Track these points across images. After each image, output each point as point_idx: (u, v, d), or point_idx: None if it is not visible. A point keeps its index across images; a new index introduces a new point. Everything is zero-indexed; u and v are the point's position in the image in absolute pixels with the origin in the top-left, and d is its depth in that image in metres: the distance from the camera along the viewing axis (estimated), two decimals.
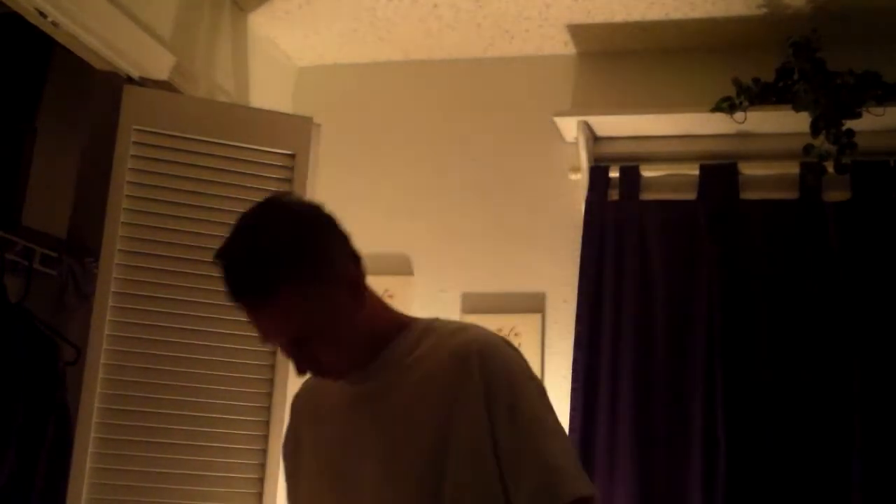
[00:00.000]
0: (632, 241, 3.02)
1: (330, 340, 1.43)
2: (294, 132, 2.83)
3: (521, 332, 3.02)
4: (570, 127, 3.07)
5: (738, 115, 2.89)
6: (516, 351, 1.51)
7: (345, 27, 3.21)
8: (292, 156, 2.80)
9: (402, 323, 1.54)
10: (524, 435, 1.40)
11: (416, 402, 1.45)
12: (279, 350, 1.51)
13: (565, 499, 1.37)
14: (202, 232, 2.65)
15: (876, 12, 2.85)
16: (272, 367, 2.66)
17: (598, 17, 3.03)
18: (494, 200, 3.22)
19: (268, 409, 2.63)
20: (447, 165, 3.28)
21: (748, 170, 3.01)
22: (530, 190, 3.20)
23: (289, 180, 2.78)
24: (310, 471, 1.57)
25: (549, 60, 3.30)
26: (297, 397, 1.67)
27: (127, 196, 2.59)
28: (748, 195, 2.99)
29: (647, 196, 3.07)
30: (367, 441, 1.47)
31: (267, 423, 2.62)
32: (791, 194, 2.95)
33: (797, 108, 2.80)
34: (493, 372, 1.42)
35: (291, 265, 1.38)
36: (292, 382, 2.69)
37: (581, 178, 3.09)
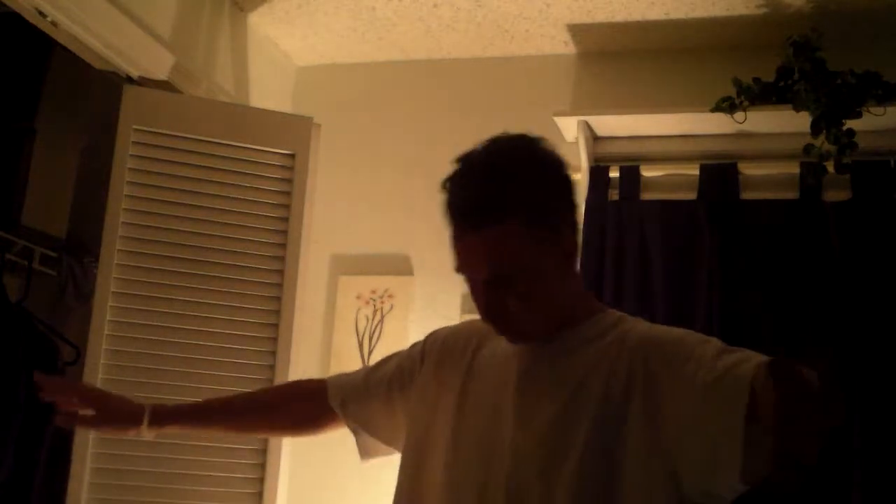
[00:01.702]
0: (632, 241, 3.01)
1: (526, 296, 1.38)
2: (294, 132, 2.84)
3: None
4: (570, 127, 3.07)
5: (739, 114, 2.88)
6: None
7: (345, 27, 3.21)
8: (292, 156, 2.80)
9: (596, 308, 1.50)
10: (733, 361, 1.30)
11: (592, 369, 1.39)
12: (469, 289, 1.44)
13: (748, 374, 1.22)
14: (202, 232, 2.65)
15: (876, 12, 2.85)
16: (272, 367, 2.66)
17: (598, 16, 3.03)
18: None
19: None
20: (447, 165, 3.27)
21: (748, 170, 3.00)
22: None
23: (289, 180, 2.78)
24: (467, 403, 1.48)
25: (549, 60, 3.29)
26: (452, 337, 1.61)
27: (127, 196, 2.59)
28: (748, 195, 2.99)
29: (647, 196, 3.07)
30: (542, 385, 1.41)
31: None
32: (791, 194, 2.94)
33: (797, 108, 2.80)
34: (656, 353, 1.37)
35: (529, 202, 1.36)
36: None
37: (581, 178, 3.08)
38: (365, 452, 1.70)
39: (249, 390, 2.04)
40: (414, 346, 1.66)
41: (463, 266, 1.41)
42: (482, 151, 1.42)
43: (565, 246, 1.43)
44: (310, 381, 1.79)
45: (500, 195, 1.36)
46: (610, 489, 1.31)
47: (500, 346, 1.49)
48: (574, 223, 1.45)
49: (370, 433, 1.67)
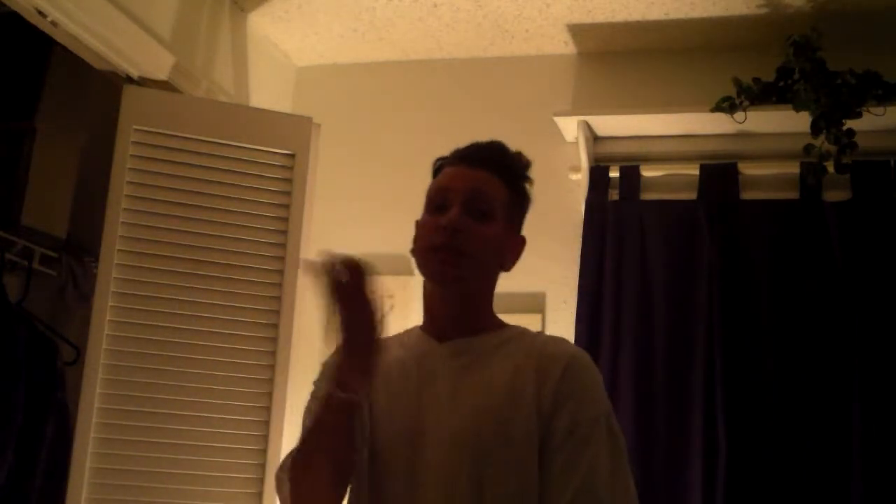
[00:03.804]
0: (632, 241, 3.01)
1: (485, 232, 1.56)
2: (294, 132, 2.83)
3: None
4: (570, 127, 3.07)
5: (739, 114, 2.89)
6: (600, 377, 1.57)
7: (345, 27, 3.21)
8: (292, 156, 2.80)
9: (501, 322, 1.66)
10: (582, 443, 1.46)
11: (496, 378, 1.52)
12: (424, 221, 1.61)
13: None
14: (202, 232, 2.65)
15: (876, 12, 2.85)
16: (272, 367, 2.66)
17: (599, 16, 3.03)
18: None
19: (268, 410, 2.63)
20: None
21: (748, 170, 3.00)
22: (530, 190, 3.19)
23: (289, 180, 2.78)
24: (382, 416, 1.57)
25: (549, 60, 3.29)
26: None
27: (127, 196, 2.59)
28: (748, 195, 2.99)
29: (647, 196, 3.07)
30: (451, 402, 1.53)
31: (267, 424, 2.62)
32: (791, 194, 2.95)
33: (797, 108, 2.80)
34: (576, 377, 1.52)
35: (516, 183, 1.63)
36: (292, 382, 2.70)
37: (581, 178, 3.08)
38: None
39: None
40: (317, 389, 1.66)
41: (446, 188, 1.59)
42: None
43: (518, 243, 1.63)
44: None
45: (502, 160, 1.63)
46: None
47: (396, 357, 1.58)
48: (524, 241, 1.66)
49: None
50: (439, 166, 1.67)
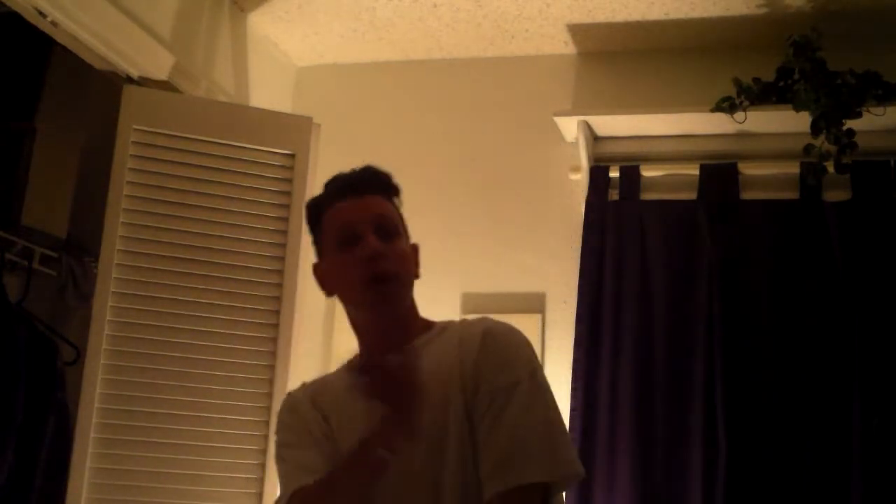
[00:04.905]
0: (632, 241, 3.01)
1: (401, 246, 1.63)
2: (294, 132, 2.83)
3: None
4: (570, 127, 3.07)
5: (739, 114, 2.89)
6: (525, 339, 1.60)
7: (345, 27, 3.21)
8: (292, 156, 2.80)
9: (430, 323, 1.71)
10: (502, 407, 1.48)
11: (427, 373, 1.51)
12: (340, 261, 1.63)
13: (511, 483, 1.44)
14: (202, 232, 2.65)
15: (876, 12, 2.85)
16: (272, 367, 2.66)
17: (599, 16, 3.03)
18: (494, 200, 3.21)
19: (268, 409, 2.62)
20: (447, 165, 3.28)
21: (748, 170, 3.00)
22: (530, 190, 3.19)
23: (289, 180, 2.78)
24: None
25: (549, 60, 3.29)
26: (304, 396, 1.70)
27: (127, 196, 2.59)
28: (748, 195, 2.99)
29: (647, 196, 3.07)
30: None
31: (267, 423, 2.62)
32: (791, 194, 2.95)
33: (797, 108, 2.80)
34: (492, 346, 1.55)
35: (396, 197, 1.70)
36: (292, 382, 2.70)
37: (581, 178, 3.08)
38: None
39: None
40: (284, 429, 1.68)
41: (350, 221, 1.61)
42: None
43: (415, 248, 1.71)
44: None
45: (383, 179, 1.69)
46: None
47: (338, 393, 1.62)
48: (417, 247, 1.73)
49: None
50: (320, 208, 1.68)
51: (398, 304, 1.63)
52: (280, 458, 1.66)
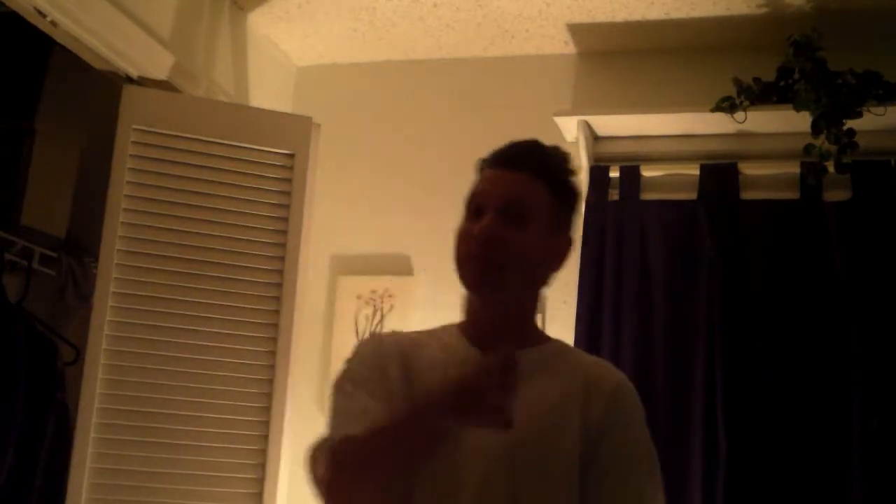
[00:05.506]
0: (632, 241, 3.01)
1: (523, 240, 1.50)
2: (294, 132, 2.83)
3: None
4: (570, 127, 3.06)
5: (739, 114, 2.88)
6: (640, 401, 1.58)
7: (345, 27, 3.21)
8: (292, 156, 2.80)
9: (544, 335, 1.64)
10: (625, 471, 1.49)
11: (540, 395, 1.49)
12: (463, 228, 1.54)
13: None
14: (202, 232, 2.65)
15: (876, 12, 2.85)
16: (272, 367, 2.66)
17: (599, 16, 3.03)
18: None
19: (268, 409, 2.63)
20: (447, 165, 3.28)
21: (748, 170, 3.00)
22: None
23: (289, 180, 2.78)
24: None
25: (549, 60, 3.29)
26: (395, 344, 1.59)
27: (126, 196, 2.59)
28: (748, 195, 2.99)
29: (647, 196, 3.07)
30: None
31: (267, 424, 2.62)
32: (791, 194, 2.94)
33: (798, 108, 2.80)
34: (624, 404, 1.53)
35: (561, 185, 1.56)
36: (292, 382, 2.70)
37: (581, 179, 3.08)
38: None
39: None
40: (351, 371, 1.57)
41: (482, 193, 1.53)
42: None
43: (565, 248, 1.59)
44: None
45: (545, 163, 1.55)
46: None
47: (434, 359, 1.54)
48: (571, 240, 1.61)
49: None
50: (479, 169, 1.60)
51: (497, 293, 1.51)
52: (341, 390, 1.53)
